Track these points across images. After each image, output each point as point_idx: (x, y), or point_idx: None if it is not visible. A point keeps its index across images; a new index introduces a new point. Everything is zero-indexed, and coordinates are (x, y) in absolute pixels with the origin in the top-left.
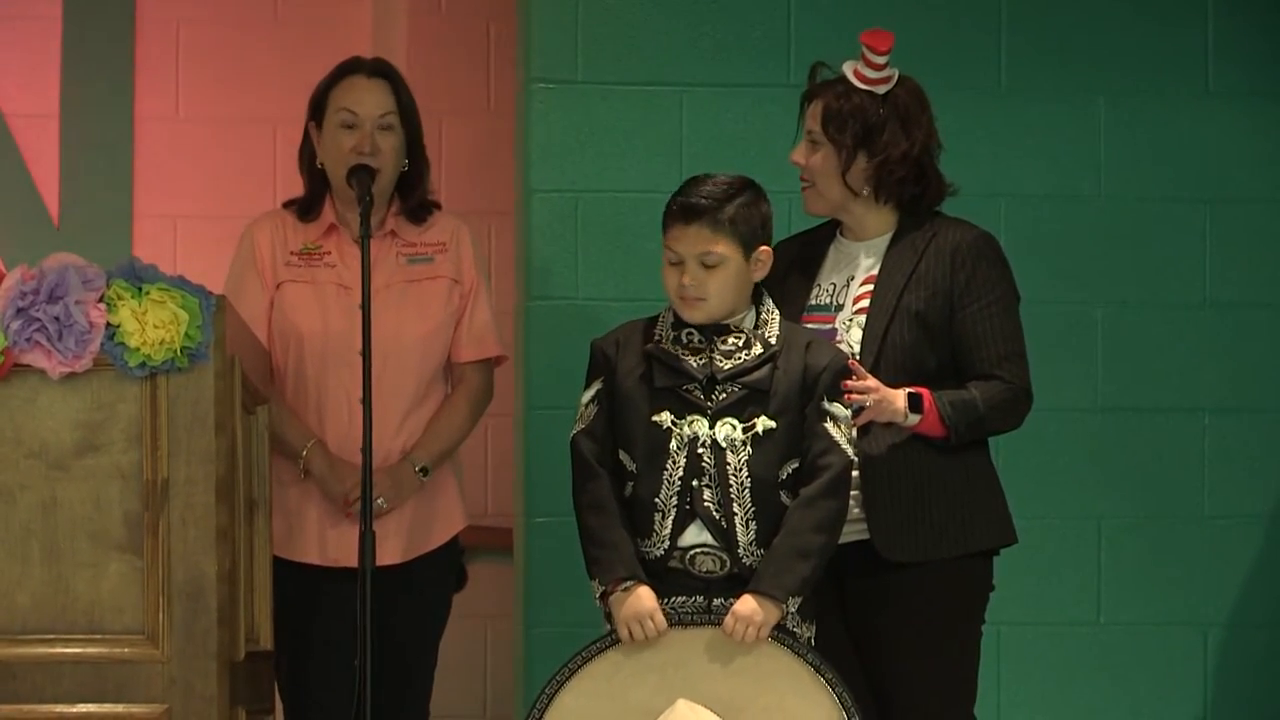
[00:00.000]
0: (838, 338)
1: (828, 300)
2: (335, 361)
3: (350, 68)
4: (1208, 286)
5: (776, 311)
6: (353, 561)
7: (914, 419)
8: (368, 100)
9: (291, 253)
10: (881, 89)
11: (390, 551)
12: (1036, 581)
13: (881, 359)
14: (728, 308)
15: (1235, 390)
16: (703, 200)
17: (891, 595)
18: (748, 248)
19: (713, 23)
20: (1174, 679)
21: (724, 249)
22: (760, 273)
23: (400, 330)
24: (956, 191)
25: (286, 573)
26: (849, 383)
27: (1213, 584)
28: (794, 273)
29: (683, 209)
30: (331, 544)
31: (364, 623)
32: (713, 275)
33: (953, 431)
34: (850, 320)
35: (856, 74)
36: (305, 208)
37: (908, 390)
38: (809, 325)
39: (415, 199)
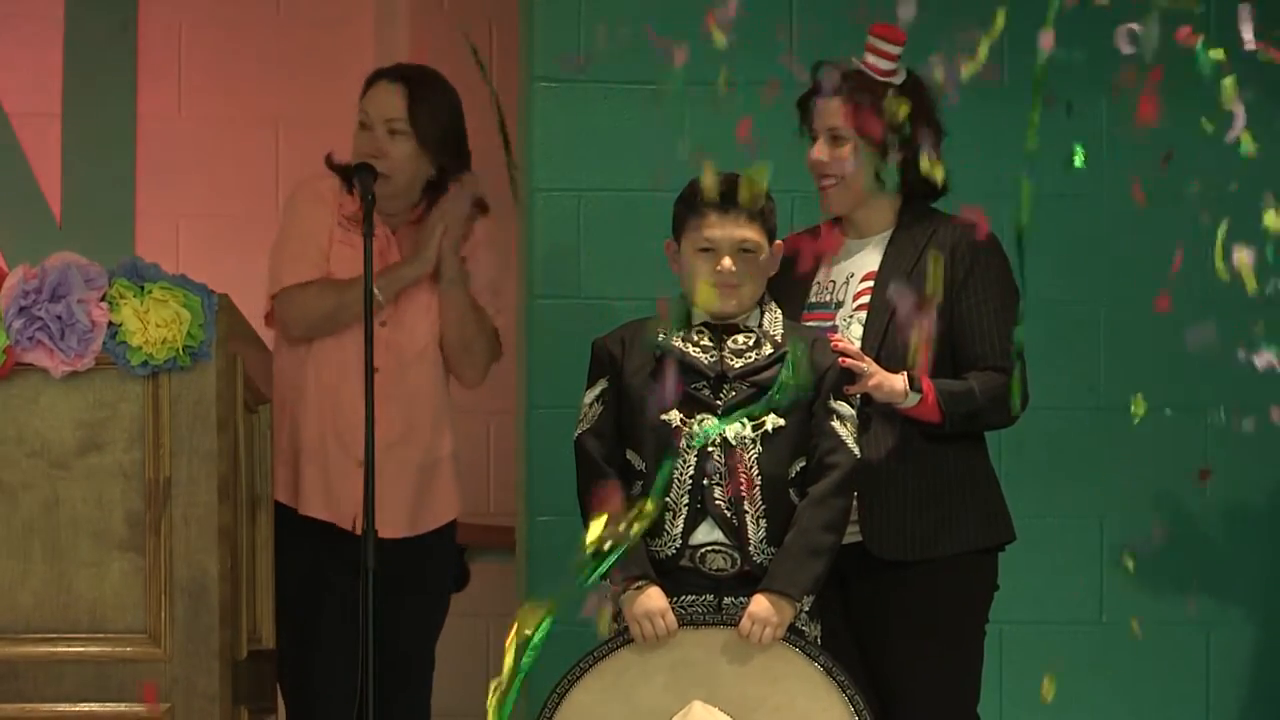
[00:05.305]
0: (838, 334)
1: (827, 297)
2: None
3: (382, 71)
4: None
5: (779, 310)
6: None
7: (914, 398)
8: (378, 104)
9: (344, 215)
10: (897, 81)
11: (394, 524)
12: (1039, 581)
13: (883, 355)
14: (755, 299)
15: (1236, 389)
16: (738, 189)
17: (895, 594)
18: (770, 241)
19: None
20: (1176, 678)
21: (759, 238)
22: (774, 268)
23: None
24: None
25: (292, 531)
26: (836, 341)
27: (1215, 584)
28: (792, 270)
29: (721, 196)
30: (325, 500)
31: (365, 622)
32: (748, 263)
33: (947, 419)
34: (851, 317)
35: (871, 67)
36: (350, 184)
37: (907, 373)
38: (809, 323)
39: None
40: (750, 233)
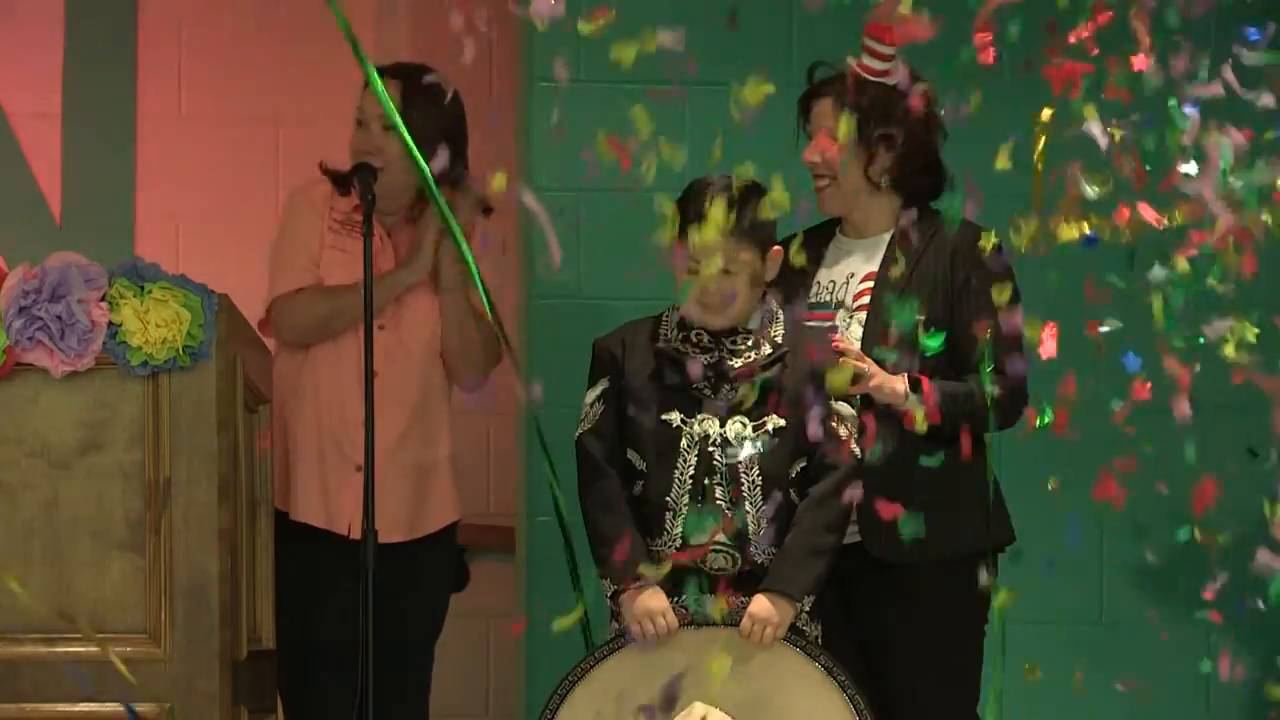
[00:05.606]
0: (838, 334)
1: (828, 297)
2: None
3: (380, 69)
4: None
5: (780, 310)
6: (344, 529)
7: (914, 399)
8: (374, 100)
9: (334, 219)
10: (891, 80)
11: (391, 529)
12: (1038, 580)
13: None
14: (748, 310)
15: (1237, 388)
16: (724, 207)
17: (896, 595)
18: (764, 250)
19: (713, 21)
20: (1175, 678)
21: (746, 254)
22: (772, 273)
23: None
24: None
25: (290, 533)
26: (837, 341)
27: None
28: (794, 271)
29: (705, 217)
30: (321, 506)
31: (365, 622)
32: (736, 280)
33: (946, 420)
34: (851, 317)
35: (865, 67)
36: (344, 187)
37: (908, 374)
38: (809, 323)
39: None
40: (737, 252)
